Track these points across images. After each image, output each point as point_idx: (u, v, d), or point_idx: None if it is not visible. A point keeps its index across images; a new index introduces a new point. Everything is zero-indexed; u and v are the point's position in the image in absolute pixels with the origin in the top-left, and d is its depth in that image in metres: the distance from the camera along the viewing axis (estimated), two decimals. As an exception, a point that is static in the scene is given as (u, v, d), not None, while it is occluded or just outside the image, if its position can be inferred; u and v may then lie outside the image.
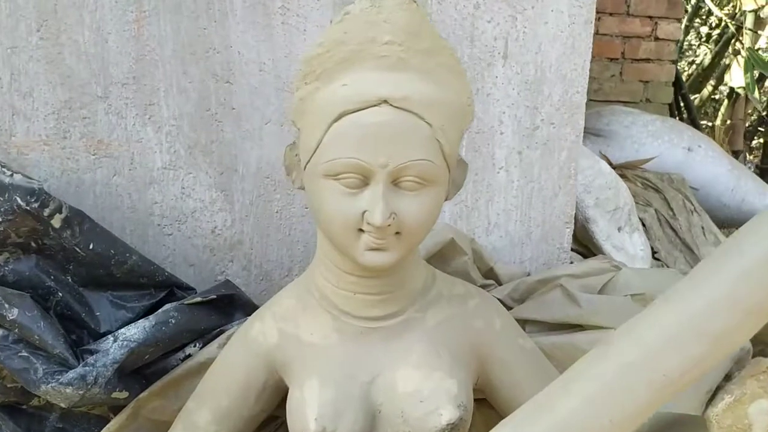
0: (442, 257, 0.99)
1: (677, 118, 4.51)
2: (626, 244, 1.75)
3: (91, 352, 0.86)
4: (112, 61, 0.97)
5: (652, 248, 2.00)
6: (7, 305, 0.81)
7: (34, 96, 0.96)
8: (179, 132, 1.00)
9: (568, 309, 0.96)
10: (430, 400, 0.69)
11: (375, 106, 0.60)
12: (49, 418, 0.92)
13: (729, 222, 2.58)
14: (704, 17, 6.14)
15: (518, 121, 1.03)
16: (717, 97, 6.08)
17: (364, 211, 0.61)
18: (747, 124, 5.48)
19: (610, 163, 2.44)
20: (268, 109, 1.01)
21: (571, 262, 1.11)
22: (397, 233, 0.63)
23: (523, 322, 0.99)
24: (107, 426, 0.90)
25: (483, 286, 1.03)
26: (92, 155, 1.00)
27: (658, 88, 4.13)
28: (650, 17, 3.81)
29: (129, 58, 0.97)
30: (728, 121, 4.95)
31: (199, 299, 0.93)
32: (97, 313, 0.92)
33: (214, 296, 0.95)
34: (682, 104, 4.57)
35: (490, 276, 1.05)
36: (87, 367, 0.83)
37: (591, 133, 2.71)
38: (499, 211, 1.07)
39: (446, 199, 0.70)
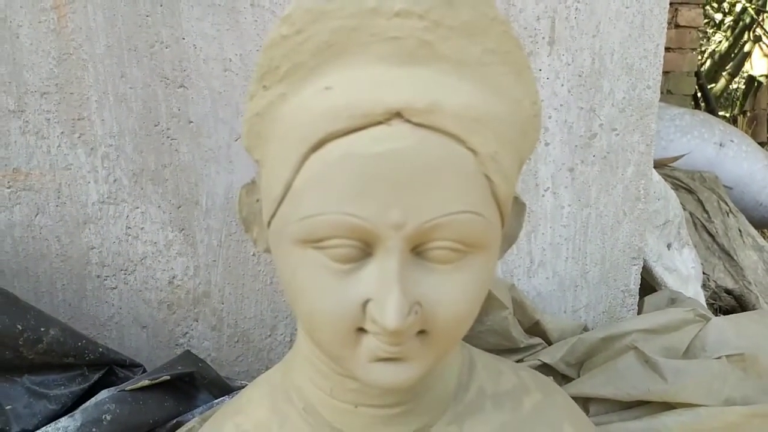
0: (473, 314, 0.74)
1: (694, 109, 4.30)
2: (677, 263, 1.50)
3: (-9, 470, 0.61)
4: (27, 63, 0.72)
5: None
6: None
7: (-75, 112, 0.72)
8: (120, 154, 0.75)
9: (648, 382, 0.71)
10: None
11: (382, 123, 0.34)
12: None
13: (765, 222, 2.38)
14: (718, 2, 5.89)
15: (569, 127, 0.78)
16: (734, 86, 5.84)
17: (367, 301, 0.36)
18: (770, 114, 5.24)
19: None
20: (237, 120, 0.76)
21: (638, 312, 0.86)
22: (422, 332, 0.38)
23: (584, 400, 0.74)
24: None
25: (528, 348, 0.78)
26: (7, 188, 0.75)
27: (679, 79, 3.91)
28: (670, 3, 3.58)
29: (48, 58, 0.72)
30: (750, 112, 4.74)
31: (147, 382, 0.69)
32: (8, 407, 0.67)
33: (168, 376, 0.70)
34: (699, 95, 4.38)
35: (536, 332, 0.80)
36: (-20, 497, 0.58)
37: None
38: (544, 245, 0.81)
39: (498, 259, 0.45)
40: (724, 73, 5.25)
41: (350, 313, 0.36)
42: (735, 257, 2.10)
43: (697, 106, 4.34)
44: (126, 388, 0.68)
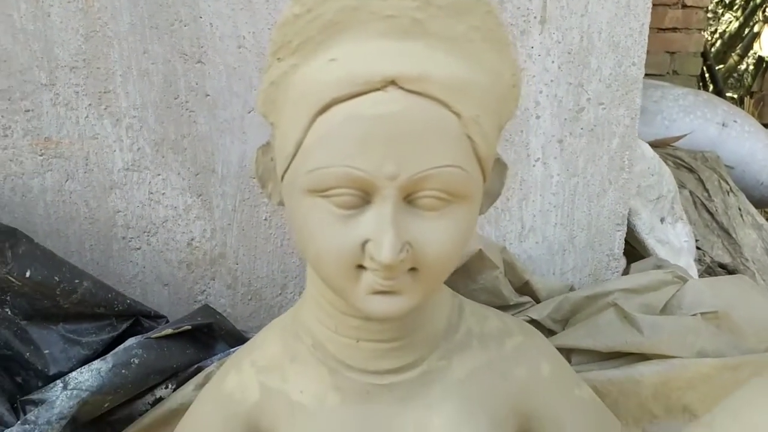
0: (467, 272, 0.80)
1: (702, 90, 4.29)
2: (670, 236, 1.55)
3: (35, 403, 0.69)
4: (57, 40, 0.78)
5: (697, 239, 1.82)
6: None
7: (-36, 85, 0.78)
8: (143, 125, 0.82)
9: (626, 335, 0.78)
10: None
11: (379, 90, 0.41)
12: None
13: (765, 202, 2.41)
14: (729, -19, 5.83)
15: (559, 101, 0.84)
16: (743, 67, 5.80)
17: (366, 241, 0.43)
18: (779, 95, 5.21)
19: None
20: (250, 94, 0.82)
21: (624, 273, 0.92)
22: (413, 269, 0.45)
23: (568, 351, 0.81)
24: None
25: (517, 305, 0.85)
26: (39, 156, 0.82)
27: (685, 59, 3.90)
28: (677, -17, 3.57)
29: (77, 35, 0.79)
30: (758, 92, 4.72)
31: (170, 331, 0.76)
32: (46, 351, 0.74)
33: (189, 326, 0.77)
34: (707, 75, 4.36)
35: (526, 291, 0.86)
36: (27, 425, 0.66)
37: None
38: (535, 212, 0.88)
39: (480, 213, 0.51)
40: (733, 54, 5.23)
41: (352, 251, 0.43)
42: (734, 235, 2.14)
43: (704, 87, 4.33)
44: (152, 336, 0.75)
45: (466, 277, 0.81)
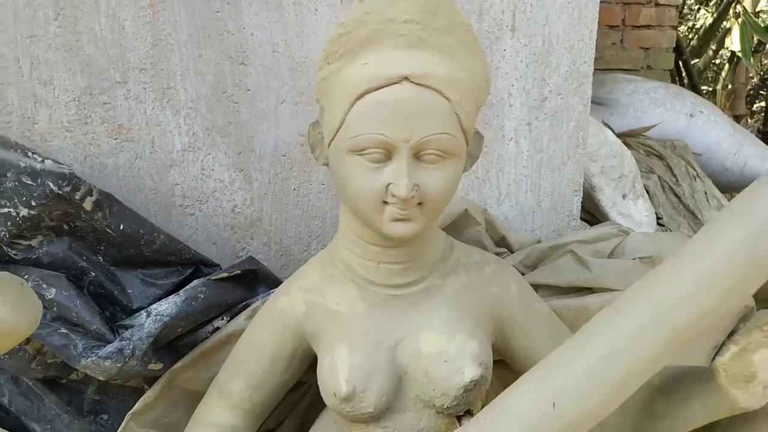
0: (455, 228, 1.02)
1: (678, 84, 4.50)
2: (631, 210, 1.78)
3: (126, 327, 0.90)
4: (129, 47, 0.99)
5: (656, 214, 2.03)
6: (44, 285, 0.85)
7: (55, 84, 0.99)
8: (197, 114, 1.03)
9: (579, 273, 1.00)
10: (454, 361, 0.73)
11: (396, 83, 0.63)
12: (87, 391, 0.97)
13: (731, 186, 2.61)
14: (704, -22, 6.05)
15: (527, 93, 1.06)
16: (718, 61, 6.04)
17: (389, 184, 0.65)
18: (748, 88, 5.46)
19: (613, 132, 2.46)
20: (283, 89, 1.04)
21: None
22: (420, 204, 0.67)
23: (535, 287, 1.03)
24: (143, 397, 0.94)
25: (496, 254, 1.07)
26: (114, 140, 1.02)
27: (659, 55, 4.12)
28: (653, -19, 3.78)
29: (145, 43, 0.99)
30: (729, 86, 4.93)
31: (224, 275, 0.97)
32: (129, 291, 0.95)
33: (239, 271, 0.99)
34: (683, 70, 4.55)
35: (503, 244, 1.08)
36: (124, 341, 0.87)
37: (593, 102, 2.72)
38: (509, 181, 1.10)
39: (463, 171, 0.73)
40: (708, 49, 5.46)
41: (379, 191, 0.65)
42: (699, 216, 2.34)
43: (680, 81, 4.54)
44: (211, 278, 0.96)
45: (455, 231, 1.03)
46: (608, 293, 1.01)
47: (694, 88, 4.46)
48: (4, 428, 0.96)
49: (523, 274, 1.06)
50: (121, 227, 0.90)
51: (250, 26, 1.01)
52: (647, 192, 2.41)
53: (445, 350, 0.74)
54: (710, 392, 0.68)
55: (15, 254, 0.88)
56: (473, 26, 0.66)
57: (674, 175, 2.47)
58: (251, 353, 0.84)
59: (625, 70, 3.81)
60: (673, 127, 2.66)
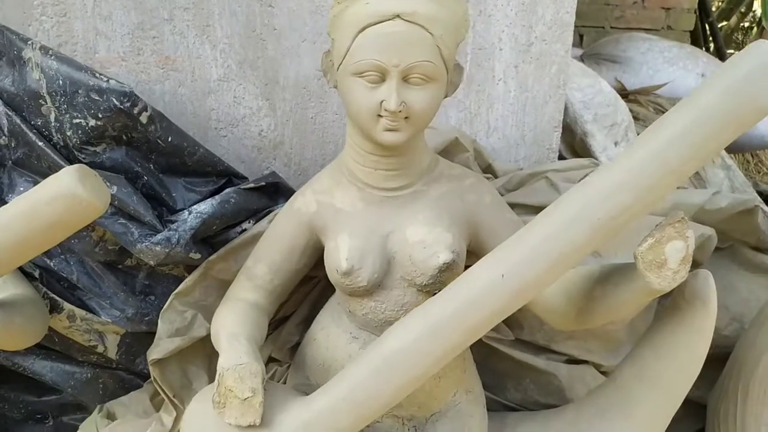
0: (447, 153, 1.20)
1: (703, 47, 4.49)
2: (622, 157, 1.91)
3: (173, 221, 1.11)
4: (175, -11, 1.17)
5: None
6: (108, 183, 1.05)
7: (113, 19, 1.17)
8: (231, 49, 1.21)
9: (550, 195, 1.18)
10: (432, 247, 0.92)
11: (390, 20, 0.80)
12: (139, 276, 1.19)
13: (737, 146, 2.70)
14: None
15: (515, 38, 1.22)
16: (747, 24, 5.96)
17: (382, 101, 0.83)
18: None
19: (624, 89, 2.57)
20: (304, 29, 1.21)
21: (559, 161, 1.31)
22: (406, 118, 0.85)
23: (512, 206, 1.21)
24: (185, 281, 1.16)
25: (482, 179, 1.25)
26: (161, 69, 1.21)
27: (680, 15, 4.14)
28: (675, -59, 3.79)
29: (189, -14, 1.17)
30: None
31: (252, 185, 1.17)
32: (174, 194, 1.16)
33: (263, 183, 1.18)
34: (709, 32, 4.49)
35: (489, 171, 1.26)
36: (171, 231, 1.08)
37: (607, 59, 2.82)
38: (497, 117, 1.27)
39: (446, 96, 0.91)
40: (737, 12, 5.40)
41: (374, 106, 0.83)
42: (702, 173, 2.45)
43: (705, 43, 4.52)
44: (241, 187, 1.16)
45: (447, 156, 1.20)
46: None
47: (719, 52, 4.45)
48: (70, 303, 1.18)
49: (502, 196, 1.24)
50: (169, 139, 1.10)
51: (278, -27, 1.17)
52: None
53: (425, 239, 0.93)
54: (633, 278, 0.86)
55: (83, 158, 1.08)
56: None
57: (680, 133, 2.56)
58: (273, 243, 1.04)
59: (646, 30, 3.86)
60: (684, 87, 2.72)
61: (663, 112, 2.73)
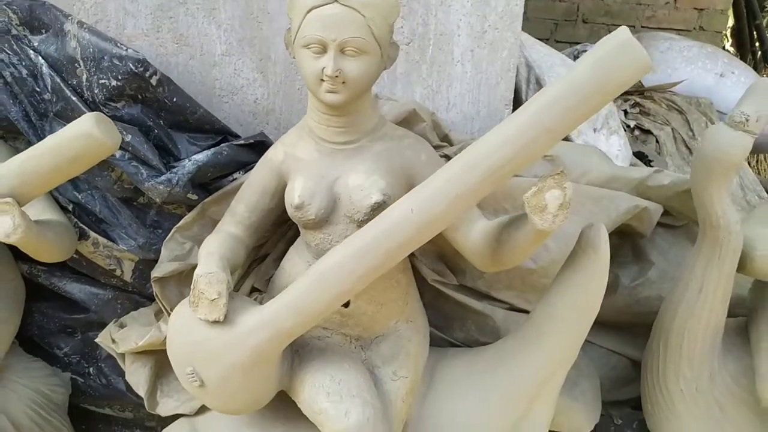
0: (406, 123, 1.41)
1: (750, 50, 4.43)
2: (600, 143, 2.06)
3: (174, 167, 1.36)
4: (189, -22, 1.43)
5: (651, 160, 2.25)
6: (125, 132, 1.32)
7: (139, 1, 1.44)
8: (232, 29, 1.46)
9: (491, 161, 1.37)
10: (367, 190, 1.14)
11: (330, 4, 1.02)
12: (149, 212, 1.46)
13: (755, 147, 2.76)
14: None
15: (471, 26, 1.41)
16: (799, 26, 5.81)
17: (323, 68, 1.05)
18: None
19: (642, 86, 2.68)
20: (293, 14, 1.44)
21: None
22: (343, 83, 1.07)
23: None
24: (184, 218, 1.41)
25: (437, 147, 1.45)
26: (175, 44, 1.47)
27: (712, 16, 4.15)
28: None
29: (200, -24, 1.42)
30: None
31: (242, 142, 1.42)
32: (179, 146, 1.42)
33: (252, 141, 1.42)
34: (755, 35, 4.39)
35: (445, 140, 1.46)
36: (172, 174, 1.34)
37: None
38: (456, 94, 1.47)
39: (385, 68, 1.13)
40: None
41: (318, 72, 1.06)
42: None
43: (751, 46, 4.40)
44: (233, 143, 1.41)
45: (405, 126, 1.42)
46: (514, 178, 1.37)
47: (765, 56, 4.40)
48: (95, 232, 1.45)
49: (453, 161, 1.44)
50: (174, 99, 1.35)
51: (272, -33, 1.41)
52: (657, 142, 2.65)
53: (362, 184, 1.15)
54: (525, 221, 1.06)
55: (107, 112, 1.35)
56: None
57: (691, 129, 2.63)
58: (250, 186, 1.28)
59: (677, 30, 3.90)
60: (701, 85, 2.78)
61: (676, 109, 2.82)
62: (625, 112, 2.68)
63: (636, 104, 2.71)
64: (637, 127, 2.63)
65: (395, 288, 1.26)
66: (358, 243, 1.06)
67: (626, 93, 2.62)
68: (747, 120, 1.16)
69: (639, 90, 2.68)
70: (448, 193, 1.02)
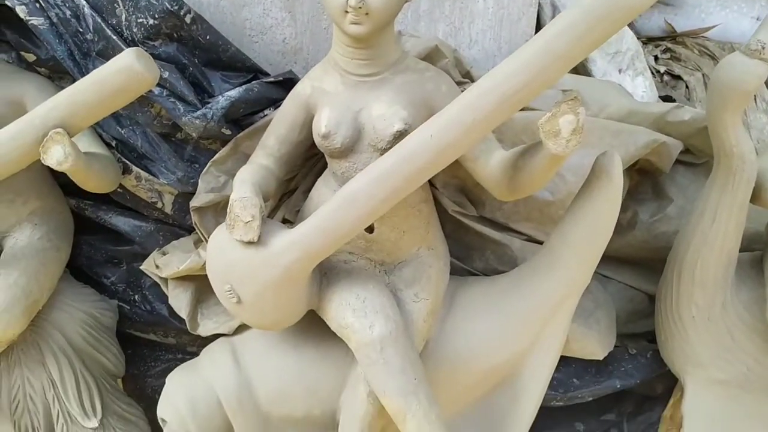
0: (429, 59, 1.45)
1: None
2: (626, 83, 2.07)
3: (209, 102, 1.44)
4: None
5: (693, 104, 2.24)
6: (162, 69, 1.40)
7: (172, -56, 1.49)
8: (261, -31, 1.51)
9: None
10: (389, 119, 1.20)
11: None
12: (186, 148, 1.55)
13: None
14: None
15: (493, -39, 1.44)
16: None
17: (347, 1, 1.10)
18: None
19: (674, 31, 2.65)
20: (319, -47, 1.48)
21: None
22: (367, 14, 1.12)
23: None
24: (219, 152, 1.50)
25: (459, 83, 1.49)
26: (207, -15, 1.53)
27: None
28: None
29: None
30: None
31: (272, 79, 1.48)
32: (213, 84, 1.49)
33: (281, 79, 1.49)
34: None
35: (467, 77, 1.50)
36: (207, 109, 1.42)
37: (660, 1, 2.88)
38: (478, 30, 1.50)
39: (407, 1, 1.17)
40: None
41: (342, 4, 1.11)
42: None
43: None
44: (263, 80, 1.47)
45: (428, 62, 1.46)
46: (532, 112, 1.42)
47: None
48: (137, 167, 1.55)
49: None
50: (207, 37, 1.42)
51: None
52: (687, 87, 2.63)
53: (384, 114, 1.21)
54: (540, 147, 1.11)
55: (145, 50, 1.42)
56: None
57: (724, 75, 2.59)
58: (280, 120, 1.35)
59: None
60: (736, 30, 2.72)
61: (709, 55, 2.78)
62: (656, 58, 2.65)
63: (667, 50, 2.68)
64: (667, 72, 2.61)
65: (417, 216, 1.34)
66: (379, 168, 1.13)
67: (658, 38, 2.58)
68: (763, 48, 1.18)
69: (671, 35, 2.64)
70: (465, 119, 1.08)
